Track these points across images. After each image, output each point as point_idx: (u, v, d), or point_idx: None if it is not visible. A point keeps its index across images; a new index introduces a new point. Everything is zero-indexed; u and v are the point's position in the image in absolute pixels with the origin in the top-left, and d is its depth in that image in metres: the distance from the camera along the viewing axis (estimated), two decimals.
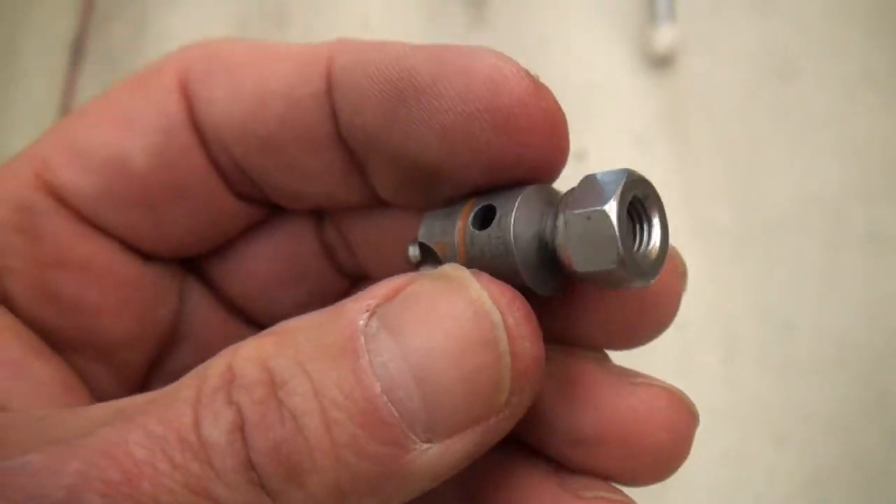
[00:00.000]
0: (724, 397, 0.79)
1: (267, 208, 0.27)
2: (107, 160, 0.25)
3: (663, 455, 0.22)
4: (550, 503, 0.23)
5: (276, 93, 0.23)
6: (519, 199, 0.21)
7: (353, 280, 0.30)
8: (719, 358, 0.80)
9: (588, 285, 0.22)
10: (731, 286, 0.82)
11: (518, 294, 0.21)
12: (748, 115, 0.88)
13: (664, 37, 0.87)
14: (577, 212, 0.20)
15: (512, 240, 0.21)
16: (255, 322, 0.29)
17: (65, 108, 0.93)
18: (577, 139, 0.92)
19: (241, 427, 0.18)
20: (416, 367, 0.19)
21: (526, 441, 0.24)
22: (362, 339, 0.19)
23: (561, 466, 0.23)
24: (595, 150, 0.85)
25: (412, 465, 0.19)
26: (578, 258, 0.20)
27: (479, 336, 0.19)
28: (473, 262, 0.21)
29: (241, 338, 0.28)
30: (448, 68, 0.21)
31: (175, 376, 0.28)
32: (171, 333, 0.27)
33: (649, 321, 0.24)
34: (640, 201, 0.21)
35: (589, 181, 0.21)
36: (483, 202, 0.22)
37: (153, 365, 0.27)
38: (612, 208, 0.20)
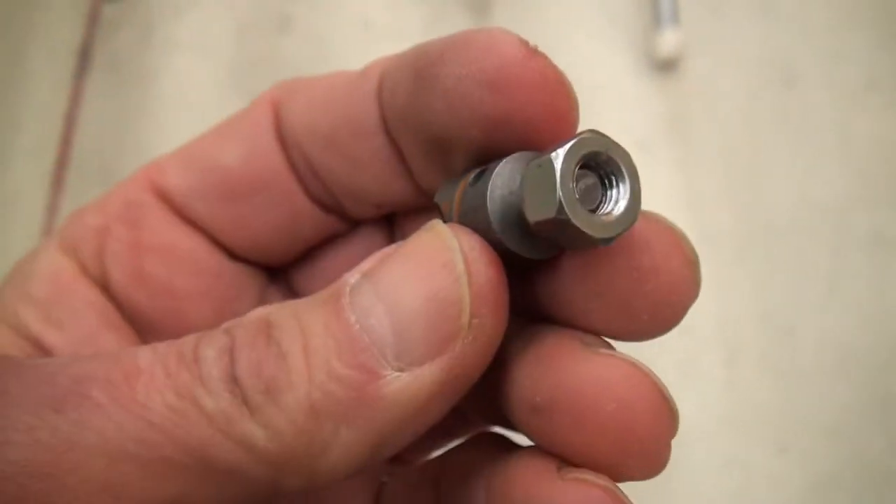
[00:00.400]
0: (727, 403, 0.79)
1: (341, 220, 0.30)
2: (202, 160, 0.29)
3: (611, 429, 0.21)
4: (536, 485, 0.22)
5: (340, 95, 0.27)
6: (506, 158, 0.22)
7: None
8: (721, 363, 0.80)
9: (575, 257, 0.22)
10: (733, 291, 0.82)
11: (474, 233, 0.22)
12: (751, 119, 0.88)
13: (668, 41, 0.87)
14: (532, 162, 0.20)
15: (487, 191, 0.22)
16: None
17: (71, 115, 0.94)
18: None
19: (230, 349, 0.21)
20: (385, 298, 0.21)
21: (502, 414, 0.24)
22: (347, 289, 0.21)
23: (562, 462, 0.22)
24: None
25: (383, 390, 0.20)
26: (529, 207, 0.20)
27: (437, 261, 0.21)
28: (463, 216, 0.23)
29: None
30: (454, 42, 0.24)
31: None
32: None
33: (646, 301, 0.23)
34: (608, 164, 0.21)
35: (560, 142, 0.21)
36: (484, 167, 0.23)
37: None
38: (558, 156, 0.20)
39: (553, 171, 0.19)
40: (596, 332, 0.24)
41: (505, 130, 0.23)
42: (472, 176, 0.23)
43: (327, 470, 0.21)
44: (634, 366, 0.22)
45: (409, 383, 0.20)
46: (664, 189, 0.85)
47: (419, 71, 0.24)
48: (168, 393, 0.20)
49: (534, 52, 0.23)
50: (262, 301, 0.31)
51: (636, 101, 0.89)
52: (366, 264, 0.22)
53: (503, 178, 0.22)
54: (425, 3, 0.96)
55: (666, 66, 0.90)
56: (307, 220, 0.30)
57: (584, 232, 0.19)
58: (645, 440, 0.22)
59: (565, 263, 0.23)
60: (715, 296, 0.82)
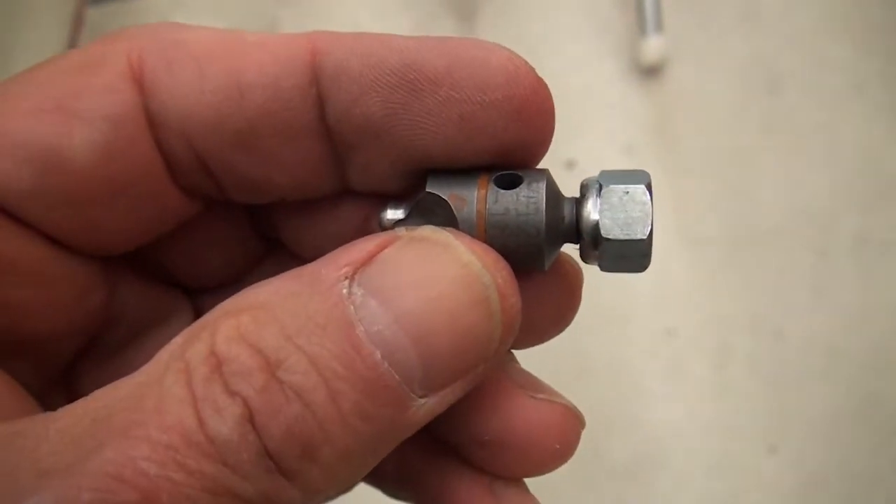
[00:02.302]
0: (716, 405, 0.79)
1: (206, 201, 0.26)
2: (41, 153, 0.22)
3: (555, 459, 0.25)
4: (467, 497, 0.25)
5: (256, 85, 0.22)
6: (546, 174, 0.23)
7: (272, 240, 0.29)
8: (710, 366, 0.80)
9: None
10: (721, 295, 0.83)
11: (498, 254, 0.22)
12: (737, 124, 0.89)
13: (652, 47, 0.88)
14: (611, 186, 0.23)
15: (544, 200, 0.22)
16: (186, 286, 0.29)
17: None
18: (567, 149, 0.93)
19: (249, 418, 0.18)
20: (411, 330, 0.19)
21: (445, 439, 0.25)
22: (351, 308, 0.19)
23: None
24: (584, 160, 0.85)
25: (411, 419, 0.20)
26: (609, 227, 0.22)
27: (471, 296, 0.20)
28: (493, 217, 0.22)
29: (177, 307, 0.28)
30: (462, 59, 0.22)
31: (106, 358, 0.26)
32: (101, 320, 0.26)
33: (561, 316, 0.26)
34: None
35: (611, 172, 0.24)
36: (501, 172, 0.23)
37: (80, 351, 0.27)
38: (645, 191, 0.23)
39: (646, 201, 0.22)
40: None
41: (512, 152, 0.23)
42: (493, 179, 0.23)
43: (347, 490, 0.21)
44: (566, 408, 0.25)
45: (434, 407, 0.20)
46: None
47: (415, 86, 0.22)
48: (200, 496, 0.17)
49: (542, 80, 0.23)
50: (113, 283, 0.26)
51: (622, 107, 0.89)
52: (349, 265, 0.20)
53: (551, 190, 0.23)
54: (413, 9, 0.96)
55: (651, 72, 0.91)
56: (171, 208, 0.25)
57: (648, 255, 0.23)
58: (571, 456, 0.25)
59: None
60: (702, 300, 0.83)
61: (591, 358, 0.79)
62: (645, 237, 0.22)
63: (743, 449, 0.78)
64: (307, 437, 0.18)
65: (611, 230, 0.22)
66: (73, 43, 0.97)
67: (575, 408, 0.25)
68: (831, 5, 0.93)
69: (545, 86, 0.23)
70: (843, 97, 0.89)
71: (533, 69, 0.22)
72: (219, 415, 0.18)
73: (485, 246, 0.21)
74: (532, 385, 0.25)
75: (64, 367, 0.26)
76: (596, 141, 0.87)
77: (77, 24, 0.99)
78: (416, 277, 0.20)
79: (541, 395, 0.25)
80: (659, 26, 0.89)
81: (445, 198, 0.23)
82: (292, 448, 0.18)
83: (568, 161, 0.86)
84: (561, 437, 0.25)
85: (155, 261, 0.27)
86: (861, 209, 0.85)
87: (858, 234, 0.84)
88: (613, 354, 0.80)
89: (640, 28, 0.89)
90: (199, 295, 0.29)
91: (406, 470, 0.26)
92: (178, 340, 0.20)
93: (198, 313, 0.28)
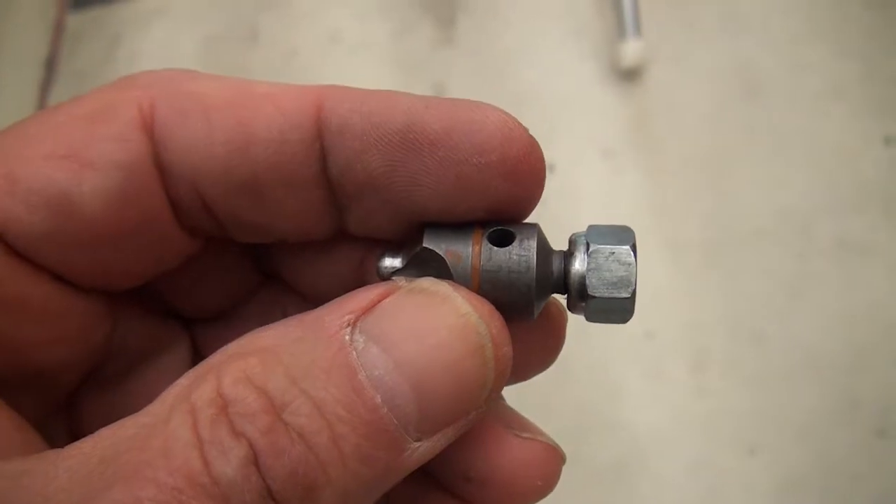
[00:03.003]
0: (696, 408, 0.80)
1: (208, 238, 0.27)
2: (53, 199, 0.23)
3: (537, 494, 0.26)
4: None
5: (263, 139, 0.23)
6: (537, 231, 0.24)
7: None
8: (690, 369, 0.81)
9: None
10: (701, 298, 0.83)
11: (492, 306, 0.23)
12: (716, 128, 0.90)
13: (631, 50, 0.89)
14: (600, 246, 0.24)
15: (534, 258, 0.23)
16: (183, 316, 0.29)
17: None
18: (546, 153, 0.93)
19: (254, 459, 0.18)
20: (411, 376, 0.20)
21: (433, 473, 0.26)
22: (353, 353, 0.20)
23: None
24: (563, 164, 0.86)
25: (406, 462, 0.21)
26: (595, 286, 0.24)
27: (468, 346, 0.21)
28: (487, 273, 0.24)
29: (175, 338, 0.29)
30: (460, 122, 0.23)
31: (106, 387, 0.27)
32: (103, 352, 0.27)
33: (546, 358, 0.28)
34: None
35: (598, 229, 0.25)
36: (494, 227, 0.25)
37: (81, 381, 0.27)
38: (629, 252, 0.24)
39: (630, 262, 0.24)
40: None
41: (504, 209, 0.24)
42: (486, 234, 0.24)
43: None
44: (549, 447, 0.26)
45: (428, 450, 0.21)
46: (631, 197, 0.85)
47: (414, 146, 0.23)
48: None
49: (534, 140, 0.24)
50: (116, 317, 0.27)
51: (601, 110, 0.90)
52: (351, 313, 0.21)
53: (541, 248, 0.24)
54: (393, 16, 0.96)
55: (629, 76, 0.91)
56: (176, 248, 0.26)
57: (630, 311, 0.24)
58: (552, 489, 0.26)
59: None
60: (682, 302, 0.83)
61: (571, 362, 0.79)
62: (629, 296, 0.24)
63: (723, 451, 0.78)
64: (310, 478, 0.19)
65: (597, 289, 0.24)
66: (53, 49, 0.97)
67: (557, 445, 0.27)
68: (810, 8, 0.93)
69: (537, 146, 0.24)
70: (822, 100, 0.90)
71: (526, 130, 0.24)
72: (224, 456, 0.18)
73: (481, 298, 0.23)
74: (518, 424, 0.27)
75: (66, 398, 0.27)
76: (575, 144, 0.88)
77: (58, 30, 0.99)
78: (416, 326, 0.21)
79: (525, 434, 0.26)
80: (637, 30, 0.89)
81: (441, 254, 0.24)
82: (295, 489, 0.19)
83: (547, 165, 0.86)
84: (543, 475, 0.26)
85: (156, 294, 0.28)
86: (840, 211, 0.85)
87: (838, 236, 0.84)
88: (593, 358, 0.80)
89: (619, 32, 0.90)
90: (195, 325, 0.30)
91: (396, 502, 0.27)
92: (182, 382, 0.20)
93: (194, 343, 0.29)
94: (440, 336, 0.21)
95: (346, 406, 0.19)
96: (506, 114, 0.23)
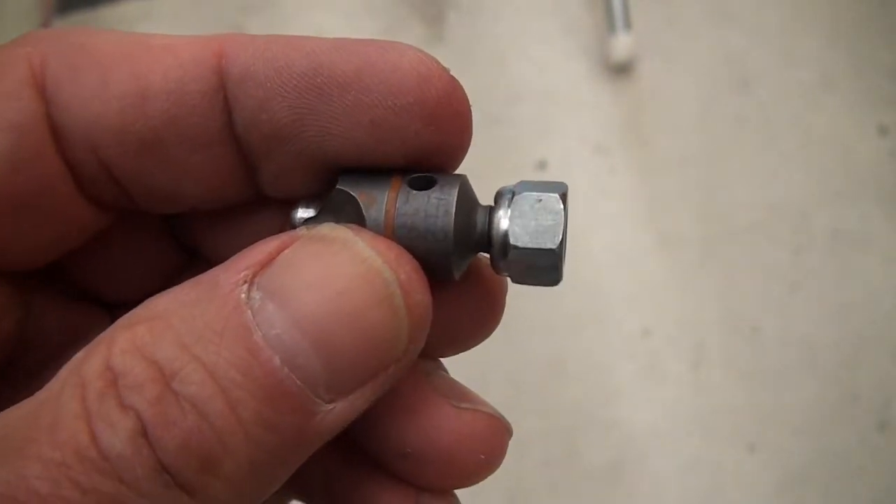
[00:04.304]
0: (694, 404, 0.79)
1: (118, 212, 0.25)
2: None
3: (481, 470, 0.24)
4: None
5: (160, 90, 0.22)
6: (461, 179, 0.22)
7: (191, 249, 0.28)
8: (687, 365, 0.80)
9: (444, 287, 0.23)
10: (696, 293, 0.83)
11: (402, 249, 0.21)
12: (708, 121, 0.89)
13: (621, 45, 0.88)
14: (525, 194, 0.22)
15: (454, 204, 0.22)
16: (104, 300, 0.27)
17: None
18: (537, 150, 0.92)
19: (142, 431, 0.17)
20: (311, 332, 0.19)
21: (369, 452, 0.25)
22: (249, 312, 0.19)
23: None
24: (555, 160, 0.85)
25: (319, 426, 0.19)
26: (518, 235, 0.22)
27: (373, 294, 0.20)
28: (403, 217, 0.22)
29: (96, 324, 0.26)
30: (372, 62, 0.21)
31: (23, 381, 0.25)
32: (16, 342, 0.25)
33: (483, 325, 0.26)
34: None
35: (529, 182, 0.23)
36: (417, 174, 0.23)
37: None
38: (557, 199, 0.22)
39: (558, 210, 0.22)
40: (432, 356, 0.25)
41: (426, 156, 0.22)
42: (406, 180, 0.22)
43: (260, 500, 0.20)
44: (491, 416, 0.24)
45: (344, 411, 0.19)
46: (624, 193, 0.85)
47: (322, 90, 0.21)
48: None
49: (455, 80, 0.22)
50: (28, 302, 0.25)
51: (592, 106, 0.89)
52: (248, 269, 0.19)
53: (463, 196, 0.22)
54: (380, 15, 0.95)
55: (620, 71, 0.90)
56: (80, 221, 0.24)
57: (558, 267, 0.22)
58: (497, 466, 0.25)
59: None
60: (677, 299, 0.82)
61: (566, 360, 0.79)
62: (555, 247, 0.21)
63: (722, 447, 0.78)
64: (206, 449, 0.18)
65: (519, 238, 0.22)
66: None
67: (501, 416, 0.25)
68: (800, 0, 0.93)
69: (459, 87, 0.22)
70: (813, 92, 0.89)
71: (446, 70, 0.22)
72: (112, 429, 0.17)
73: (387, 241, 0.21)
74: (456, 393, 0.24)
75: None
76: (567, 141, 0.87)
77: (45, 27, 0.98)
78: (314, 277, 0.19)
79: (464, 405, 0.24)
80: (627, 24, 0.88)
81: (355, 195, 0.22)
82: (190, 461, 0.17)
83: (539, 161, 0.85)
84: (486, 447, 0.24)
85: (71, 277, 0.26)
86: (835, 203, 0.85)
87: (833, 228, 0.84)
88: (589, 356, 0.79)
89: (609, 26, 0.89)
90: (119, 309, 0.27)
91: (333, 485, 0.25)
92: (78, 356, 0.19)
93: None
94: (339, 285, 0.19)
95: (241, 369, 0.18)
96: (423, 52, 0.21)
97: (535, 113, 0.85)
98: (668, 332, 0.81)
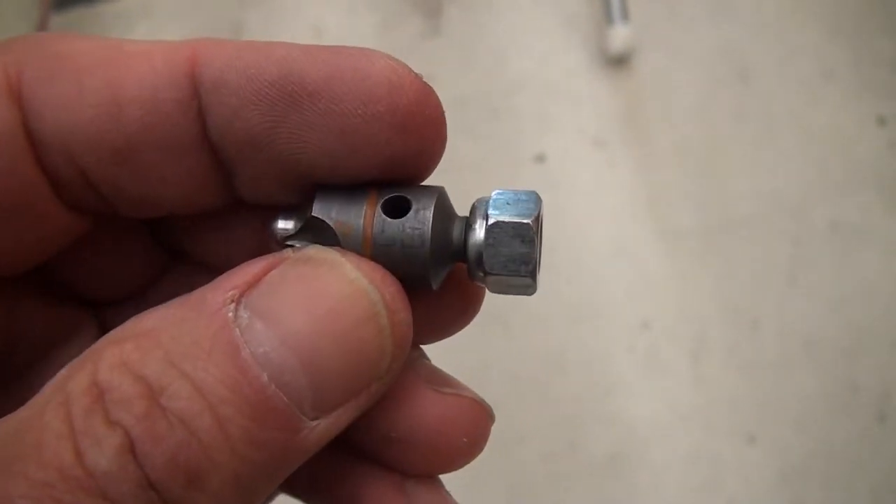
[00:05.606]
0: (694, 397, 0.79)
1: (96, 216, 0.25)
2: None
3: (464, 454, 0.25)
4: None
5: (134, 98, 0.22)
6: (436, 198, 0.23)
7: (174, 253, 0.28)
8: (687, 358, 0.80)
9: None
10: (696, 286, 0.83)
11: (386, 271, 0.21)
12: (707, 113, 0.89)
13: (619, 36, 0.88)
14: (499, 221, 0.22)
15: (429, 233, 0.22)
16: (90, 302, 0.28)
17: None
18: (536, 143, 0.92)
19: (129, 447, 0.17)
20: (299, 350, 0.19)
21: (352, 439, 0.25)
22: (237, 330, 0.19)
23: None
24: (554, 154, 0.85)
25: (304, 442, 0.19)
26: (492, 261, 0.22)
27: (359, 314, 0.20)
28: (379, 247, 0.22)
29: (81, 324, 0.27)
30: (342, 70, 0.21)
31: (8, 382, 0.25)
32: (3, 339, 0.25)
33: (461, 318, 0.26)
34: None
35: (504, 195, 0.23)
36: (391, 192, 0.23)
37: None
38: (529, 227, 0.22)
39: (532, 239, 0.22)
40: (415, 344, 0.26)
41: (400, 165, 0.23)
42: (381, 200, 0.22)
43: None
44: (474, 401, 0.25)
45: (328, 428, 0.20)
46: (623, 185, 0.85)
47: (293, 98, 0.21)
48: None
49: (429, 87, 0.22)
50: (10, 306, 0.25)
51: (590, 99, 0.89)
52: (235, 289, 0.20)
53: (438, 220, 0.22)
54: (379, 8, 0.95)
55: (619, 63, 0.90)
56: (60, 226, 0.24)
57: (532, 286, 0.22)
58: (480, 450, 0.25)
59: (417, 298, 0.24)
60: (677, 291, 0.82)
61: (566, 353, 0.79)
62: (527, 275, 0.22)
63: (721, 439, 0.78)
64: (193, 465, 0.18)
65: (493, 267, 0.22)
66: None
67: (483, 401, 0.25)
68: None
69: (432, 94, 0.22)
70: (812, 84, 0.89)
71: (419, 77, 0.22)
72: (98, 446, 0.17)
73: (371, 263, 0.21)
74: (438, 379, 0.25)
75: None
76: (566, 134, 0.87)
77: (41, 30, 0.98)
78: (302, 297, 0.20)
79: (447, 390, 0.24)
80: (625, 16, 0.88)
81: (331, 224, 0.22)
82: (176, 477, 0.18)
83: (538, 155, 0.85)
84: (469, 431, 0.24)
85: (55, 278, 0.26)
86: (834, 195, 0.84)
87: (832, 220, 0.84)
88: (589, 349, 0.79)
89: (607, 18, 0.89)
90: (105, 310, 0.28)
91: (318, 475, 0.26)
92: (63, 372, 0.19)
93: (103, 329, 0.27)
94: (328, 305, 0.20)
95: (229, 386, 0.18)
96: (394, 59, 0.21)
97: (534, 105, 0.85)
98: (667, 324, 0.81)
